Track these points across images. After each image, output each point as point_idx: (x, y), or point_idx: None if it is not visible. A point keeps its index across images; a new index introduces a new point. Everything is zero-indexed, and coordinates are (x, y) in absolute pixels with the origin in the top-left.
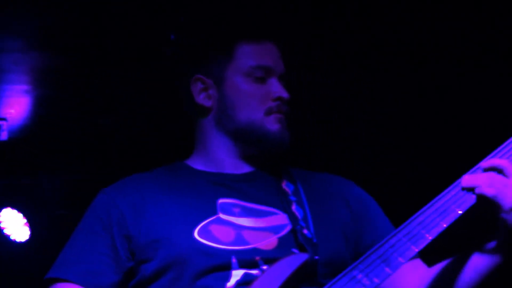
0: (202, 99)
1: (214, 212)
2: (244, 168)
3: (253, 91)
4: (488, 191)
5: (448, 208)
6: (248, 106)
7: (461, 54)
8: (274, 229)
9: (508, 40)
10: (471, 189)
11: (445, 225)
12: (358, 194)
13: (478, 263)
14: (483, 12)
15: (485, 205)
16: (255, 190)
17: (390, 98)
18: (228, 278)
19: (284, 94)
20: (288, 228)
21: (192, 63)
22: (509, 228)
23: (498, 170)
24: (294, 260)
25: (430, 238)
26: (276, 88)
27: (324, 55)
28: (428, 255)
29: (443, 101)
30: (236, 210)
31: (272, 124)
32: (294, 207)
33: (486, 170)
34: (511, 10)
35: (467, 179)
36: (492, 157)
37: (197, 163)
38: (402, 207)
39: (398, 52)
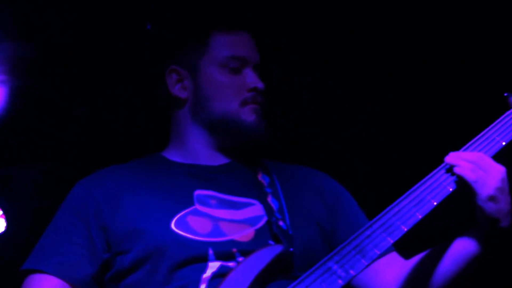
0: (177, 90)
1: (191, 204)
2: (220, 160)
3: (228, 81)
4: (470, 175)
5: (423, 199)
6: (223, 97)
7: (441, 53)
8: (250, 221)
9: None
10: (450, 170)
11: (420, 216)
12: (332, 186)
13: (456, 254)
14: (483, 12)
15: (463, 193)
16: (231, 181)
17: (368, 88)
18: (204, 270)
19: (259, 85)
20: (265, 219)
21: (167, 54)
22: (486, 217)
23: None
24: (269, 252)
25: (405, 229)
26: (251, 78)
27: (299, 46)
28: (407, 249)
29: (422, 91)
30: (213, 201)
31: (248, 115)
32: (269, 199)
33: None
34: None
35: (452, 156)
36: (472, 144)
37: (173, 155)
38: (379, 199)
39: (379, 43)
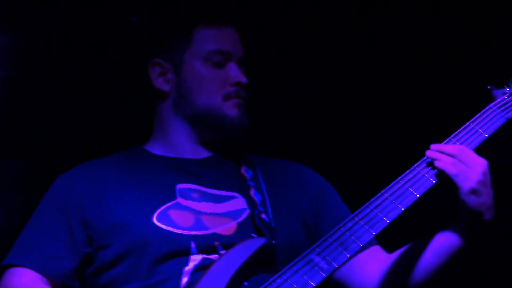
0: (160, 83)
1: (173, 197)
2: (203, 153)
3: (211, 75)
4: (450, 169)
5: (405, 191)
6: (206, 91)
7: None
8: (233, 214)
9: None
10: (431, 163)
11: (402, 208)
12: (316, 180)
13: (438, 247)
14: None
15: (445, 186)
16: (214, 175)
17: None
18: (186, 263)
19: (243, 79)
20: (247, 213)
21: (150, 47)
22: (469, 210)
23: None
24: (251, 245)
25: (388, 221)
26: (234, 73)
27: (287, 40)
28: (392, 243)
29: (404, 82)
30: (195, 195)
31: (230, 109)
32: (252, 192)
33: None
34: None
35: (433, 150)
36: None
37: (155, 148)
38: (363, 192)
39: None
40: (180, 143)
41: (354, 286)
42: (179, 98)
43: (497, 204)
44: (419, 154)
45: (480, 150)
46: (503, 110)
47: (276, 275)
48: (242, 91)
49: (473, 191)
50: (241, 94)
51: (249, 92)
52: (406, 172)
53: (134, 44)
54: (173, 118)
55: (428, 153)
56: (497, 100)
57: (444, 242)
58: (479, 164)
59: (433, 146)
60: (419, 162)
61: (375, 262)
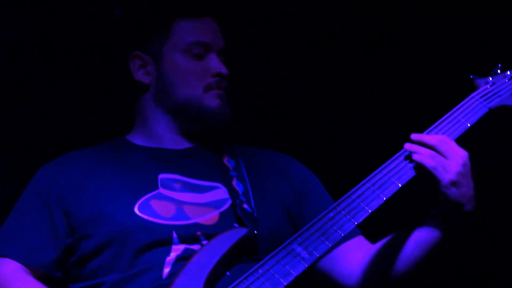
0: (140, 75)
1: (155, 187)
2: (185, 144)
3: (191, 67)
4: (429, 161)
5: (387, 181)
6: (186, 82)
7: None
8: (215, 204)
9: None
10: (409, 156)
11: (384, 198)
12: (300, 171)
13: (419, 238)
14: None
15: (425, 178)
16: (196, 165)
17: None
18: (168, 253)
19: (223, 70)
20: (229, 203)
21: (130, 40)
22: (449, 202)
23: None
24: (233, 235)
25: (370, 211)
26: (215, 64)
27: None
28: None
29: (387, 71)
30: (177, 185)
31: (211, 101)
32: (234, 182)
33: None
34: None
35: (413, 140)
36: (436, 126)
37: (137, 139)
38: (344, 182)
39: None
40: (161, 134)
41: (337, 276)
42: (159, 90)
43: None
44: (401, 143)
45: (462, 140)
46: (485, 100)
47: (258, 265)
48: (223, 81)
49: (453, 183)
50: (222, 84)
51: (231, 82)
52: (387, 162)
53: (114, 37)
54: (154, 109)
55: (407, 145)
56: (480, 90)
57: (425, 233)
58: (459, 156)
59: (413, 136)
60: (400, 151)
61: (358, 252)
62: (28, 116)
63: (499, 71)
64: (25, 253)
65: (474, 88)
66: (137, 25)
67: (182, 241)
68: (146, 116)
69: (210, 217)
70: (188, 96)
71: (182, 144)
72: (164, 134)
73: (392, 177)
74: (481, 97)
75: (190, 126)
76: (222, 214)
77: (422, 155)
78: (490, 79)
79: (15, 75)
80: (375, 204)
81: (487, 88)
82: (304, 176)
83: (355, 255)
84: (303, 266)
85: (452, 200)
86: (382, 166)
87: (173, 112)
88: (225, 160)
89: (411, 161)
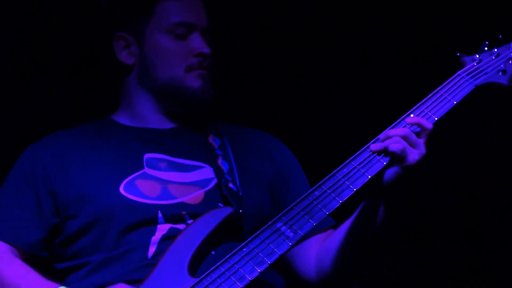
0: (123, 56)
1: (140, 167)
2: (170, 124)
3: (173, 48)
4: (395, 146)
5: (373, 159)
6: (168, 63)
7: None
8: (200, 183)
9: None
10: (382, 152)
11: (369, 176)
12: (283, 153)
13: (362, 214)
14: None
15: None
16: (181, 144)
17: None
18: (154, 233)
19: (206, 49)
20: (214, 182)
21: (113, 21)
22: (398, 182)
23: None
24: (218, 214)
25: (355, 189)
26: (197, 43)
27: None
28: None
29: (374, 49)
30: (162, 164)
31: (193, 81)
32: (220, 161)
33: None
34: None
35: (376, 144)
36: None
37: (122, 118)
38: (328, 162)
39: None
40: (146, 114)
41: (296, 266)
42: (142, 71)
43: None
44: (388, 121)
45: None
46: (472, 77)
47: (243, 244)
48: (205, 61)
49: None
50: (204, 64)
51: (215, 62)
52: (373, 140)
53: (98, 17)
54: (138, 90)
55: (372, 147)
56: (466, 67)
57: (366, 207)
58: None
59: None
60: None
61: (321, 243)
62: (12, 97)
63: (486, 48)
64: (11, 233)
65: (461, 66)
66: (120, 5)
67: (167, 220)
68: (130, 96)
69: (195, 196)
70: (170, 77)
71: (167, 124)
72: (148, 114)
73: (377, 155)
74: (467, 74)
75: (174, 106)
76: (207, 193)
77: (389, 146)
78: (477, 56)
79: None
80: (360, 182)
81: (474, 65)
82: (287, 159)
83: (317, 246)
84: (287, 245)
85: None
86: (369, 143)
87: (156, 93)
88: (210, 139)
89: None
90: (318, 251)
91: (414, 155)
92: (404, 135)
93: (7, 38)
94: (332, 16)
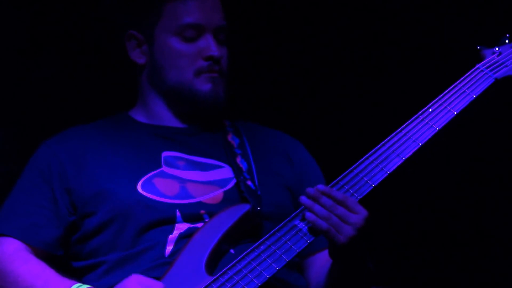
0: (135, 55)
1: (158, 165)
2: (187, 122)
3: (182, 50)
4: (321, 224)
5: (391, 154)
6: (176, 66)
7: None
8: (219, 183)
9: None
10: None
11: (388, 172)
12: (303, 155)
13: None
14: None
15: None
16: (200, 143)
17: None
18: (171, 231)
19: (215, 53)
20: (234, 182)
21: (125, 19)
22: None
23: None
24: (235, 211)
25: (373, 185)
26: (207, 46)
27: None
28: None
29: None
30: (181, 163)
31: (202, 85)
32: (238, 160)
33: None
34: None
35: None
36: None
37: (139, 115)
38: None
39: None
40: (161, 113)
41: (307, 277)
42: (153, 72)
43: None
44: (405, 116)
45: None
46: (491, 70)
47: (259, 241)
48: (216, 65)
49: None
50: (215, 68)
51: (229, 62)
52: (392, 134)
53: (111, 15)
54: (150, 90)
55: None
56: (486, 60)
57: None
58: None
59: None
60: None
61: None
62: (28, 91)
63: (507, 41)
64: (27, 232)
65: (481, 59)
66: (131, 3)
67: (185, 220)
68: (144, 95)
69: (214, 196)
70: (178, 81)
71: (185, 122)
72: (164, 113)
73: (395, 150)
74: (487, 67)
75: (186, 108)
76: (226, 193)
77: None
78: (497, 49)
79: (13, 51)
80: (378, 178)
81: (494, 58)
82: (306, 162)
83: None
84: (304, 242)
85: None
86: (385, 141)
87: (166, 95)
88: (229, 138)
89: None
90: (318, 269)
91: (346, 231)
92: (329, 208)
93: (21, 31)
94: (349, 12)
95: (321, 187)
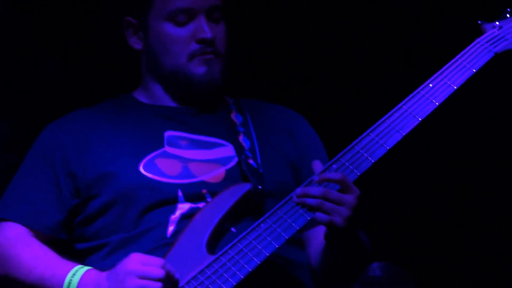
0: (132, 41)
1: (160, 145)
2: (189, 102)
3: (174, 35)
4: (321, 217)
5: (391, 130)
6: (170, 52)
7: None
8: (221, 161)
9: None
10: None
11: (388, 147)
12: (305, 130)
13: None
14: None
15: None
16: (202, 121)
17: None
18: (173, 212)
19: (207, 34)
20: (236, 160)
21: (120, 6)
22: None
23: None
24: (237, 190)
25: (373, 161)
26: (199, 28)
27: None
28: None
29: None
30: (183, 142)
31: (197, 68)
32: (241, 138)
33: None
34: None
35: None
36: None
37: (142, 96)
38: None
39: None
40: (162, 95)
41: (309, 251)
42: (149, 58)
43: None
44: (406, 91)
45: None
46: (491, 44)
47: (260, 220)
48: (209, 46)
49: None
50: (208, 50)
51: (227, 39)
52: (396, 107)
53: (107, 2)
54: (149, 75)
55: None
56: (486, 34)
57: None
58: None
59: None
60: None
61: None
62: (29, 75)
63: (508, 15)
64: (29, 216)
65: (481, 33)
66: None
67: (187, 199)
68: (145, 78)
69: (216, 175)
70: (173, 66)
71: (186, 102)
72: (164, 95)
73: (396, 126)
74: (487, 41)
75: (184, 91)
76: (228, 172)
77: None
78: (497, 23)
79: (15, 39)
80: (379, 154)
81: (494, 32)
82: (308, 136)
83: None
84: (304, 218)
85: None
86: (386, 116)
87: (165, 80)
88: (233, 116)
89: None
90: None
91: (341, 216)
92: (322, 195)
93: (21, 17)
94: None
95: (299, 190)
